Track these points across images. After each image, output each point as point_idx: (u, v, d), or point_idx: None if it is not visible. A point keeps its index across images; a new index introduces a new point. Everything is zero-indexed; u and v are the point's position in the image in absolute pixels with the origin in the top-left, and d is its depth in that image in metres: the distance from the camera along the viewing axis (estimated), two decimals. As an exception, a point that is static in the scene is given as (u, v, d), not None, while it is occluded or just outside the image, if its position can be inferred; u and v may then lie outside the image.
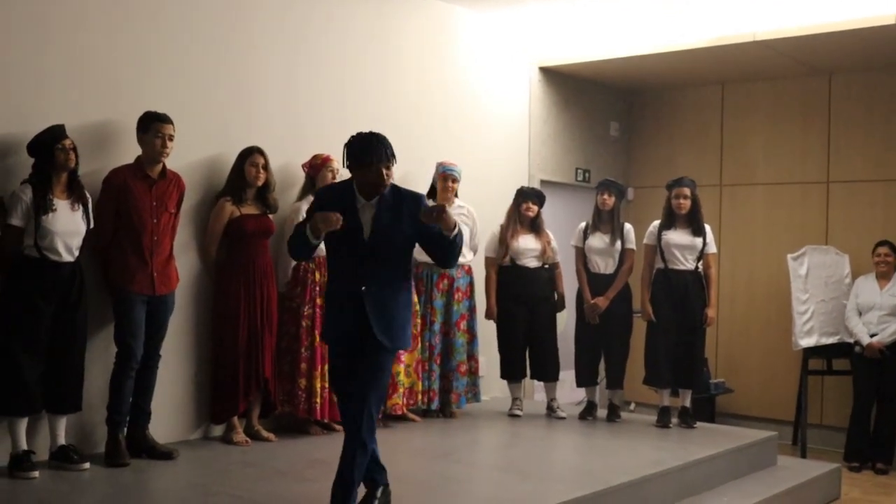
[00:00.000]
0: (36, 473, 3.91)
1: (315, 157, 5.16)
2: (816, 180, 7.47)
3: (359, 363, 3.48)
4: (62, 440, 4.10)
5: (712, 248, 5.81)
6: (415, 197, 3.57)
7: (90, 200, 4.18)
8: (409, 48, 6.21)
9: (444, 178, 5.72)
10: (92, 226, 4.16)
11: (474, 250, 5.91)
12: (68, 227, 4.02)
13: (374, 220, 3.48)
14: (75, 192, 4.09)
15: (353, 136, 3.51)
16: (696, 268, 5.73)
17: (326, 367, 5.01)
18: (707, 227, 5.80)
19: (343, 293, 3.52)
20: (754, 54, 6.91)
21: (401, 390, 5.41)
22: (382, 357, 3.52)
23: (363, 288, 3.46)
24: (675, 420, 5.81)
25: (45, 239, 3.94)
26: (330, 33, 5.63)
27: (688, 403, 5.85)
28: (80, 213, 4.08)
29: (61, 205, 4.01)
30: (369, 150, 3.43)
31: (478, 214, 5.93)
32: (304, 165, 5.20)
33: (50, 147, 3.98)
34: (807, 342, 6.75)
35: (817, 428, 7.19)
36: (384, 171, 3.45)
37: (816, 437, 7.13)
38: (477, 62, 6.81)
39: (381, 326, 3.46)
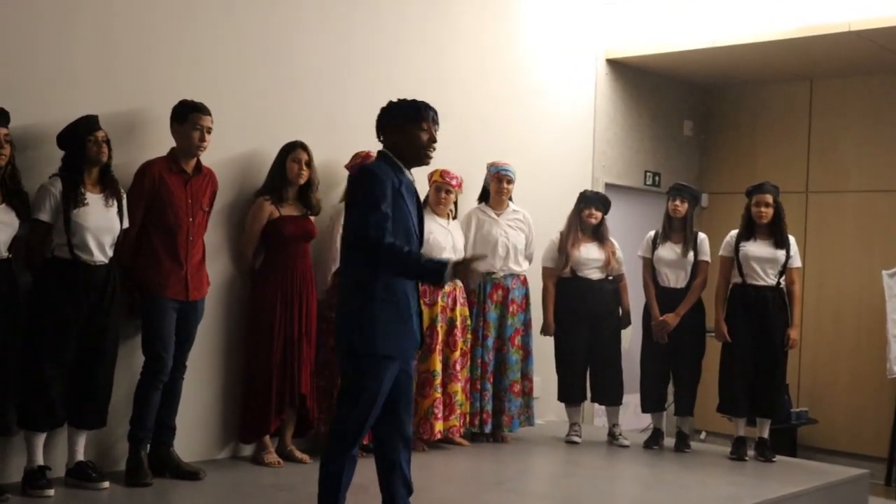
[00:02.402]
0: (51, 491, 3.90)
1: (356, 155, 5.12)
2: (917, 188, 7.28)
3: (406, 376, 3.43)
4: (80, 456, 4.10)
5: (796, 262, 5.66)
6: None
7: (125, 197, 4.18)
8: (465, 38, 6.17)
9: (499, 180, 5.67)
10: (126, 224, 4.16)
11: (529, 259, 5.84)
12: (101, 223, 4.01)
13: (417, 199, 3.45)
14: (108, 187, 4.09)
15: (391, 101, 3.44)
16: (778, 283, 5.59)
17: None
18: (791, 239, 5.66)
19: (404, 294, 3.31)
20: (848, 46, 6.76)
21: (458, 412, 5.39)
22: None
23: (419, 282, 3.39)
24: (751, 452, 5.69)
25: (76, 236, 3.94)
26: (382, 19, 5.60)
27: (766, 434, 5.71)
28: (114, 209, 4.08)
29: (94, 199, 4.01)
30: (419, 107, 3.36)
31: (534, 220, 5.85)
32: (347, 165, 5.17)
33: (81, 139, 3.99)
34: (903, 369, 6.59)
35: (914, 466, 6.98)
36: (432, 132, 3.37)
37: (912, 476, 6.92)
38: (539, 53, 6.75)
39: (420, 324, 3.42)
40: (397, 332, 3.28)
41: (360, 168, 3.40)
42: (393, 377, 3.31)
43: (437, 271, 3.19)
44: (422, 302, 5.24)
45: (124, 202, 4.16)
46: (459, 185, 5.44)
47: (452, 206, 5.49)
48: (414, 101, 3.39)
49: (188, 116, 4.30)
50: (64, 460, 4.11)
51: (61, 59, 4.23)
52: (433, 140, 3.36)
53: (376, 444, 3.47)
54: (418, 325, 3.38)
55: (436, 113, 3.40)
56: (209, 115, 4.35)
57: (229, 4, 4.86)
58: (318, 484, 3.32)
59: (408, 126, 3.33)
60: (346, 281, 3.40)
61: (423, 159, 3.37)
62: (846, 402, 7.46)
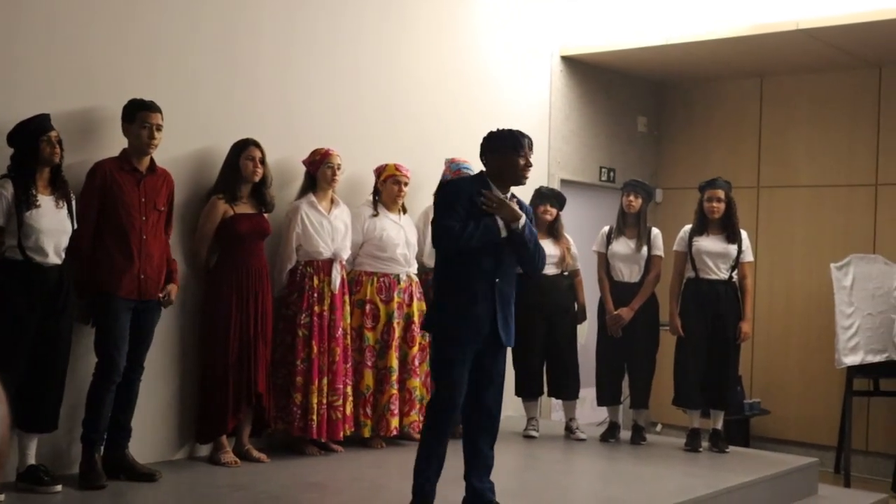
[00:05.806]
0: (1, 496, 3.81)
1: (314, 153, 5.08)
2: (864, 182, 7.36)
3: (485, 362, 3.81)
4: (32, 459, 4.00)
5: (748, 256, 5.71)
6: (525, 206, 3.96)
7: (74, 198, 4.10)
8: (421, 36, 6.14)
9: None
10: (76, 226, 4.08)
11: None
12: (54, 225, 3.94)
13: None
14: (59, 189, 4.02)
15: (491, 131, 3.93)
16: (731, 277, 5.64)
17: (324, 381, 4.94)
18: (743, 233, 5.71)
19: (475, 286, 3.75)
20: (797, 44, 6.81)
21: (418, 406, 5.38)
22: (503, 354, 3.91)
23: (496, 281, 3.78)
24: (705, 444, 5.73)
25: (30, 238, 3.87)
26: (339, 16, 5.55)
27: (720, 426, 5.76)
28: (64, 210, 4.01)
29: (45, 201, 3.93)
30: (513, 136, 3.85)
31: (492, 216, 5.82)
32: (304, 161, 5.12)
33: (34, 138, 3.90)
34: (851, 360, 6.66)
35: (862, 454, 7.08)
36: (527, 157, 3.85)
37: (861, 464, 7.03)
38: (494, 50, 6.73)
39: (504, 323, 3.81)
40: (461, 320, 3.75)
41: (440, 183, 3.85)
42: (465, 356, 3.75)
43: (489, 227, 3.73)
44: (378, 298, 5.26)
45: (73, 203, 4.08)
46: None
47: (403, 202, 5.46)
48: (511, 132, 3.88)
49: (136, 115, 4.24)
50: (14, 464, 4.01)
51: (9, 55, 4.12)
52: (528, 164, 3.88)
53: (462, 417, 3.90)
54: (487, 315, 3.76)
55: (531, 141, 3.92)
56: (158, 112, 4.28)
57: (183, 1, 4.77)
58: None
59: (508, 153, 3.84)
60: (433, 278, 4.06)
61: (519, 181, 3.89)
62: (797, 393, 7.52)
